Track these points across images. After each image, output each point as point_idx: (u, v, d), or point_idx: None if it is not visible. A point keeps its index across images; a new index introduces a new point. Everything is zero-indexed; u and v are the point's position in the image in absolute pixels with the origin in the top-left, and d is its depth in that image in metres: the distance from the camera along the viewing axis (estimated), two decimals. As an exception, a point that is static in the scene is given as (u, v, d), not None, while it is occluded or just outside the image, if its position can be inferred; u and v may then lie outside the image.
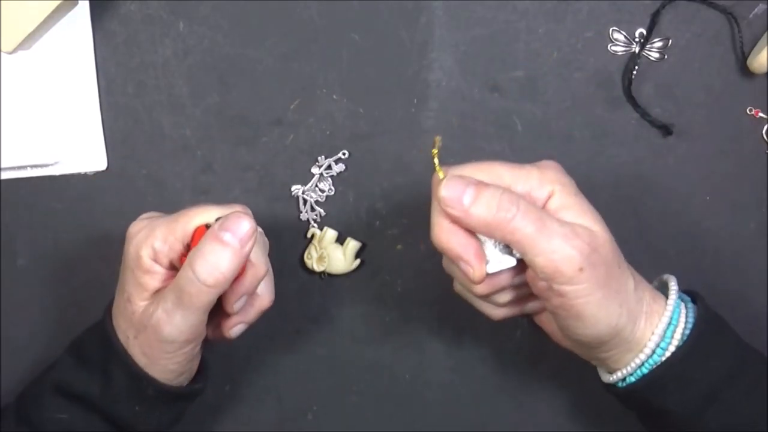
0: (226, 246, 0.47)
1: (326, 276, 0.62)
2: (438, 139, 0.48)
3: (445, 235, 0.47)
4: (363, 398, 0.63)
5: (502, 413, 0.63)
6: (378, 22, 0.60)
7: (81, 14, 0.60)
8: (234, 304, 0.50)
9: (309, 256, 0.61)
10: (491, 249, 0.47)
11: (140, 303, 0.50)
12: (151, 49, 0.61)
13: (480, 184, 0.46)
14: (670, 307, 0.48)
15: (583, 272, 0.45)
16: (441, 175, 0.47)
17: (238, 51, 0.61)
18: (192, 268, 0.47)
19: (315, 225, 0.62)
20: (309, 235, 0.62)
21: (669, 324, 0.48)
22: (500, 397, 0.63)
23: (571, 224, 0.46)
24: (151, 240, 0.50)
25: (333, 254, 0.61)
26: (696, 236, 0.61)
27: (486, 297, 0.50)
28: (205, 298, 0.47)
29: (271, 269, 0.52)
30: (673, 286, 0.50)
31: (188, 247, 0.50)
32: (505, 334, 0.62)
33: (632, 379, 0.49)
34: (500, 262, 0.47)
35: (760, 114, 0.60)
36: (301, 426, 0.63)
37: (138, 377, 0.50)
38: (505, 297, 0.50)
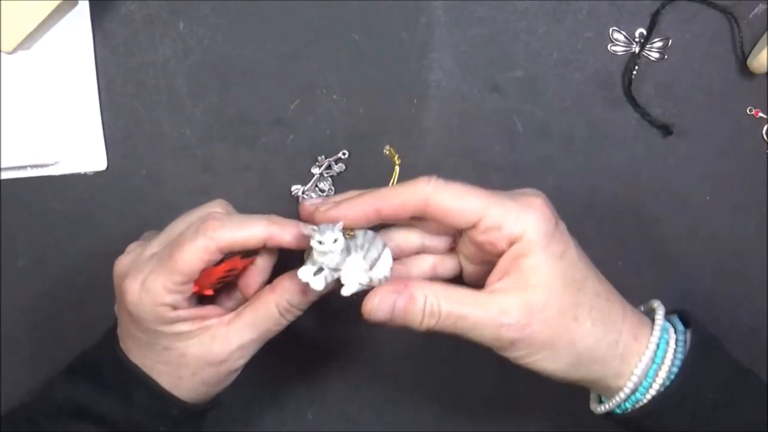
0: (308, 294, 0.50)
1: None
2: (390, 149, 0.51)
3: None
4: (363, 398, 0.63)
5: (503, 413, 0.63)
6: (378, 22, 0.60)
7: (81, 14, 0.60)
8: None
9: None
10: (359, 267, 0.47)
11: (180, 344, 0.49)
12: (151, 49, 0.61)
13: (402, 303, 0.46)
14: (652, 346, 0.47)
15: (516, 343, 0.46)
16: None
17: (238, 51, 0.61)
18: (279, 311, 0.50)
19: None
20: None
21: (652, 363, 0.47)
22: (501, 398, 0.63)
23: (500, 297, 0.46)
24: (160, 299, 0.48)
25: (333, 254, 0.61)
26: (696, 236, 0.61)
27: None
28: (274, 324, 0.51)
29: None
30: (659, 319, 0.49)
31: (203, 272, 0.49)
32: (505, 334, 0.62)
33: (618, 411, 0.49)
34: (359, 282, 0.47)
35: (760, 114, 0.60)
36: (301, 426, 0.63)
37: (162, 399, 0.50)
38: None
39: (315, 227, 0.47)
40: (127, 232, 0.60)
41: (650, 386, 0.47)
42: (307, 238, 0.47)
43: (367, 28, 0.60)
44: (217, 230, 0.47)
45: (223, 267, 0.49)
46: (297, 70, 0.61)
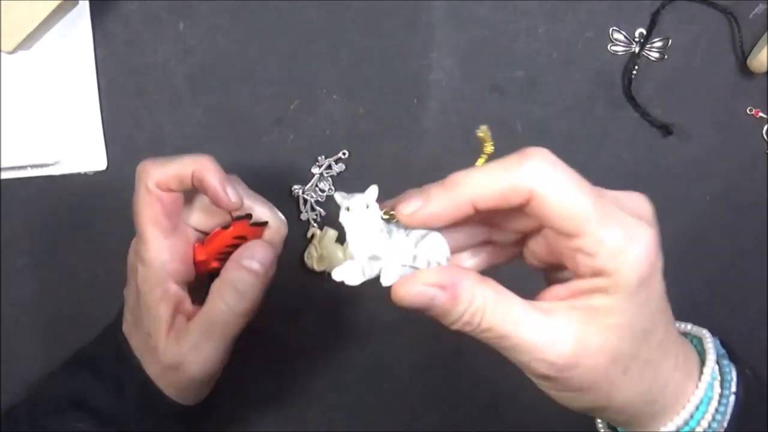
0: (252, 273, 0.47)
1: (326, 276, 0.62)
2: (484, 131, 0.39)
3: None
4: (363, 398, 0.63)
5: (503, 413, 0.63)
6: (378, 22, 0.60)
7: (81, 14, 0.60)
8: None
9: (309, 256, 0.61)
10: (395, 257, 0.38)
11: (161, 337, 0.48)
12: (151, 49, 0.61)
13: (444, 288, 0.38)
14: (690, 407, 0.40)
15: (550, 380, 0.39)
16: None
17: (238, 51, 0.61)
18: (224, 300, 0.47)
19: (315, 225, 0.62)
20: (309, 235, 0.62)
21: (685, 425, 0.40)
22: (501, 397, 0.63)
23: (555, 324, 0.38)
24: (155, 257, 0.48)
25: (333, 254, 0.61)
26: (696, 236, 0.61)
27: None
28: (238, 328, 0.48)
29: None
30: (705, 376, 0.41)
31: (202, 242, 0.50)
32: (505, 334, 0.62)
33: None
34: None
35: (760, 114, 0.60)
36: (301, 426, 0.63)
37: (153, 395, 0.50)
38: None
39: (341, 192, 0.39)
40: (127, 232, 0.60)
41: None
42: (235, 198, 0.46)
43: (367, 28, 0.60)
44: (149, 169, 0.48)
45: (231, 232, 0.49)
46: (297, 70, 0.61)
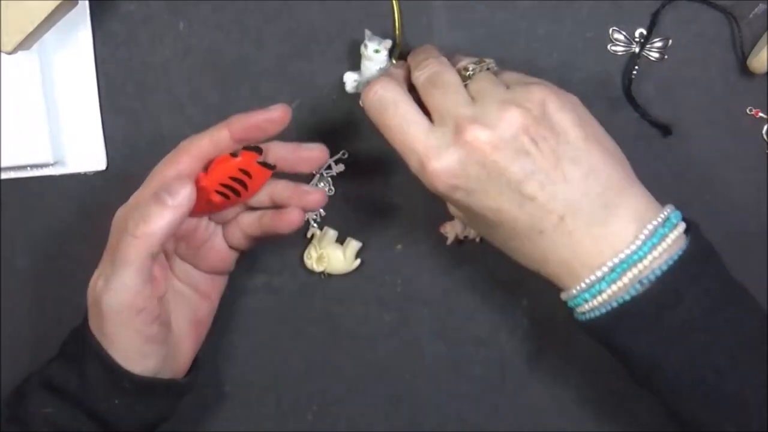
0: (159, 203, 0.48)
1: (326, 276, 0.62)
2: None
3: None
4: (363, 398, 0.63)
5: (502, 413, 0.63)
6: (378, 22, 0.60)
7: (81, 14, 0.60)
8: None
9: (309, 256, 0.61)
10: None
11: (110, 301, 0.49)
12: (151, 49, 0.61)
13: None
14: (629, 250, 0.45)
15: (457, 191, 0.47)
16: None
17: (238, 51, 0.61)
18: (125, 221, 0.49)
19: (315, 225, 0.62)
20: (309, 235, 0.62)
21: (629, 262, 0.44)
22: (500, 397, 0.63)
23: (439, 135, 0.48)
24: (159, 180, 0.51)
25: (333, 254, 0.61)
26: (696, 236, 0.61)
27: None
28: (134, 252, 0.48)
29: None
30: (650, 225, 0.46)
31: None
32: (505, 334, 0.62)
33: (577, 302, 0.46)
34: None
35: (760, 114, 0.60)
36: (301, 426, 0.63)
37: (111, 369, 0.50)
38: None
39: (370, 34, 0.56)
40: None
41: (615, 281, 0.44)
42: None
43: (367, 28, 0.60)
44: (186, 140, 0.52)
45: (238, 163, 0.49)
46: (297, 70, 0.61)
